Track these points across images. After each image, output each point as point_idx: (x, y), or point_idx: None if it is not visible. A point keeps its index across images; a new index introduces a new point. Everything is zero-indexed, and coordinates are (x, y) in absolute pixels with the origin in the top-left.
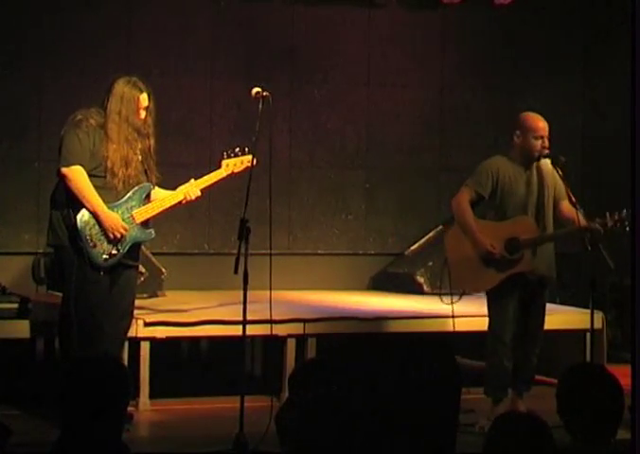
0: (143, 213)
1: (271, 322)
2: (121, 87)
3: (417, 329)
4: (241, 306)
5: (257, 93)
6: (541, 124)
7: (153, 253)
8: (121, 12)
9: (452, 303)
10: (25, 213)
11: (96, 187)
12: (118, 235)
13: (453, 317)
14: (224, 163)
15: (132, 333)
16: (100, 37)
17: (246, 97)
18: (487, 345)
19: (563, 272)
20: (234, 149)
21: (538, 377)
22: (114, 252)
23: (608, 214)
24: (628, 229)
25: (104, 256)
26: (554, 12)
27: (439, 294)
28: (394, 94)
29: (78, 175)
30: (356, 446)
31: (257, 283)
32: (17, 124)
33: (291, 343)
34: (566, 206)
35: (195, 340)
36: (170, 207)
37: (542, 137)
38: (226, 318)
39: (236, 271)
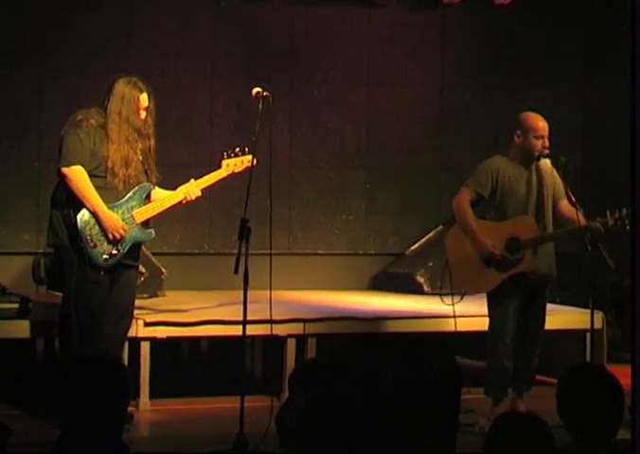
0: (143, 213)
1: (271, 322)
2: (121, 87)
3: (417, 329)
4: (242, 306)
5: (258, 93)
6: (541, 124)
7: (153, 253)
8: (121, 12)
9: (452, 303)
10: (25, 213)
11: (96, 187)
12: (118, 236)
13: (454, 317)
14: (224, 163)
15: (132, 333)
16: (100, 37)
17: (246, 97)
18: (487, 345)
19: (563, 272)
20: (234, 149)
21: (538, 377)
22: (114, 252)
23: (608, 212)
24: (628, 227)
25: (104, 256)
26: (554, 12)
27: (440, 294)
28: (394, 94)
29: (78, 175)
30: (356, 446)
31: (257, 283)
32: (17, 124)
33: (291, 343)
34: (565, 206)
35: (195, 340)
36: (171, 207)
37: (542, 137)
38: (226, 318)
39: (236, 271)
